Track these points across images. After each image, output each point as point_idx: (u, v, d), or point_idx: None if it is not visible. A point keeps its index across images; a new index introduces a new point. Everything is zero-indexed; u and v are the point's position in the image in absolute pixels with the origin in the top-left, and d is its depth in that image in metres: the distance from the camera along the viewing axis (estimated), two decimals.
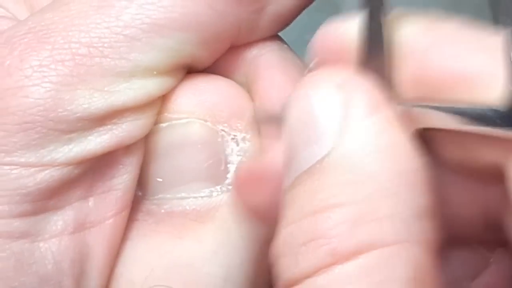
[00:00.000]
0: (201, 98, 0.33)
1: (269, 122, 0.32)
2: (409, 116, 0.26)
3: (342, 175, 0.24)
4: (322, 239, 0.23)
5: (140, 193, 0.33)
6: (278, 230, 0.26)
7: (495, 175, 0.25)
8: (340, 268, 0.23)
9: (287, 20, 0.34)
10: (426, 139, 0.27)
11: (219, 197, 0.33)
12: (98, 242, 0.32)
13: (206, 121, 0.33)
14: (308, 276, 0.24)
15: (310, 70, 0.29)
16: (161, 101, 0.32)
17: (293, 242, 0.24)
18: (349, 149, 0.25)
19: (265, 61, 0.33)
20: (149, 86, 0.31)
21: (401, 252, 0.23)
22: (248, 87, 0.34)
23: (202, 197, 0.33)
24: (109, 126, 0.31)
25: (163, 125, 0.33)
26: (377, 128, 0.25)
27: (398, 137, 0.25)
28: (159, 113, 0.32)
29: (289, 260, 0.25)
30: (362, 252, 0.23)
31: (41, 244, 0.30)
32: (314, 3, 0.35)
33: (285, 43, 0.35)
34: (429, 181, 0.25)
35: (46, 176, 0.30)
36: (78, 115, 0.30)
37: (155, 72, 0.31)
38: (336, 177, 0.24)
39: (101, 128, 0.30)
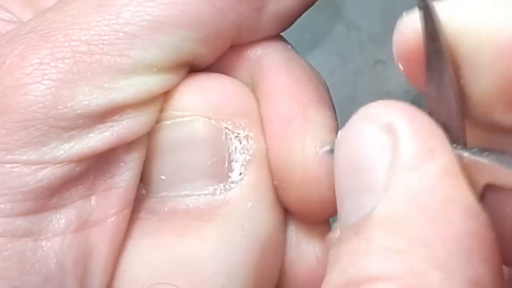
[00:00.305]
0: (205, 95, 0.33)
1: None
2: (474, 167, 0.22)
3: (386, 238, 0.22)
4: None
5: (143, 191, 0.33)
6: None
7: None
8: None
9: (288, 20, 0.34)
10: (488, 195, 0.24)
11: (222, 195, 0.33)
12: (101, 240, 0.32)
13: (210, 118, 0.33)
14: None
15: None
16: (163, 98, 0.32)
17: None
18: (394, 208, 0.22)
19: (270, 61, 0.33)
20: (150, 83, 0.31)
21: None
22: (253, 87, 0.34)
23: (205, 194, 0.33)
24: (109, 123, 0.31)
25: (167, 122, 0.33)
26: (429, 182, 0.22)
27: (455, 194, 0.22)
28: (163, 110, 0.33)
29: None
30: None
31: (43, 243, 0.30)
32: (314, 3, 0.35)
33: (289, 43, 0.35)
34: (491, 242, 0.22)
35: (48, 174, 0.30)
36: (78, 112, 0.30)
37: (155, 69, 0.31)
38: (381, 240, 0.22)
39: (101, 126, 0.31)
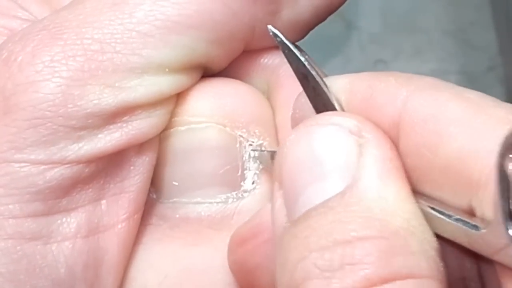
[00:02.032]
0: (221, 102, 0.32)
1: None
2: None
3: (368, 210, 0.25)
4: (359, 265, 0.24)
5: (154, 196, 0.33)
6: (290, 258, 0.26)
7: None
8: None
9: (301, 30, 0.34)
10: None
11: (235, 204, 0.32)
12: (112, 246, 0.31)
13: (225, 126, 0.32)
14: None
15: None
16: (174, 100, 0.32)
17: (324, 266, 0.25)
18: (369, 187, 0.26)
19: (288, 70, 0.33)
20: (161, 83, 0.31)
21: (432, 286, 0.25)
22: (268, 95, 0.34)
23: (217, 202, 0.32)
24: (119, 124, 0.30)
25: (182, 128, 0.32)
26: (396, 173, 0.26)
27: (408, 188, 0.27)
28: (178, 115, 0.32)
29: (321, 283, 0.25)
30: (397, 279, 0.24)
31: (53, 247, 0.30)
32: None
33: (306, 53, 0.35)
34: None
35: (56, 174, 0.29)
36: (88, 111, 0.29)
37: (167, 69, 0.30)
38: (363, 211, 0.25)
39: (111, 126, 0.30)
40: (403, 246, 0.25)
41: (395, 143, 0.27)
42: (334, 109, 0.29)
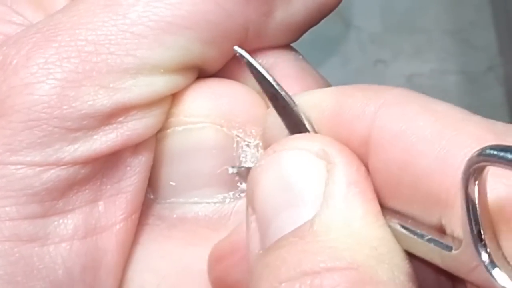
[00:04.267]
0: (217, 102, 0.32)
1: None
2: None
3: (335, 240, 0.25)
4: None
5: (151, 196, 0.33)
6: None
7: None
8: None
9: (295, 31, 0.34)
10: None
11: (232, 204, 0.32)
12: (110, 246, 0.31)
13: (222, 126, 0.32)
14: None
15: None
16: (169, 101, 0.32)
17: None
18: (336, 215, 0.26)
19: (282, 70, 0.33)
20: (156, 84, 0.31)
21: None
22: (264, 96, 0.34)
23: (214, 202, 0.32)
24: (115, 125, 0.30)
25: (179, 128, 0.32)
26: (362, 196, 0.26)
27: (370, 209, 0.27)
28: (174, 115, 0.32)
29: None
30: None
31: (51, 249, 0.30)
32: None
33: (300, 53, 0.35)
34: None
35: (52, 176, 0.29)
36: (83, 112, 0.29)
37: (162, 70, 0.31)
38: (330, 241, 0.25)
39: (106, 127, 0.30)
40: (372, 275, 0.25)
41: (365, 160, 0.27)
42: (304, 128, 0.29)
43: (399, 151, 0.26)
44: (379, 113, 0.27)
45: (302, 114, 0.29)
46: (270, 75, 0.30)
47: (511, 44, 0.92)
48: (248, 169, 0.32)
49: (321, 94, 0.29)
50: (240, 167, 0.32)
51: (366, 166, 0.27)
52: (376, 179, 0.27)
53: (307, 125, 0.29)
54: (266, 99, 0.30)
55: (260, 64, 0.30)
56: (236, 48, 0.30)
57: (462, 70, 0.94)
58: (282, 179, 0.27)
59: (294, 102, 0.29)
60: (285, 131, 0.30)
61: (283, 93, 0.29)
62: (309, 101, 0.29)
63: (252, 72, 0.30)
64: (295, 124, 0.29)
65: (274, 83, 0.29)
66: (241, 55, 0.30)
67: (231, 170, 0.32)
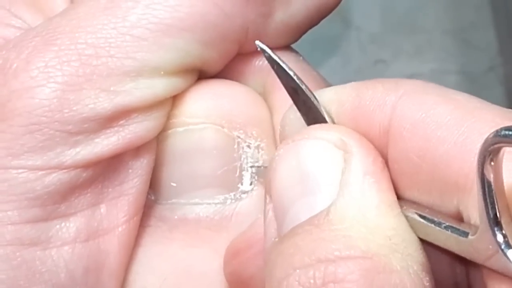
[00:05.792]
0: (218, 103, 0.32)
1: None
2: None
3: (350, 229, 0.26)
4: (342, 283, 0.25)
5: (152, 197, 0.33)
6: (276, 275, 0.26)
7: None
8: None
9: (295, 32, 0.34)
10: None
11: (233, 205, 0.32)
12: (113, 249, 0.31)
13: (222, 127, 0.32)
14: None
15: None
16: (170, 103, 0.32)
17: (307, 284, 0.25)
18: (351, 204, 0.26)
19: None
20: (156, 86, 0.31)
21: None
22: (265, 97, 0.34)
23: (215, 203, 0.32)
24: (116, 128, 0.30)
25: (180, 129, 0.32)
26: (377, 186, 0.27)
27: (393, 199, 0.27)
28: (176, 116, 0.32)
29: None
30: None
31: (53, 252, 0.30)
32: None
33: (300, 55, 0.35)
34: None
35: (54, 180, 0.29)
36: (84, 115, 0.29)
37: (162, 72, 0.31)
38: (345, 230, 0.26)
39: (108, 130, 0.30)
40: (386, 264, 0.25)
41: (385, 150, 0.27)
42: (324, 121, 0.29)
43: (418, 138, 0.26)
44: (399, 102, 0.27)
45: (322, 108, 0.29)
46: (291, 69, 0.30)
47: (511, 44, 0.92)
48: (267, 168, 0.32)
49: (341, 88, 0.29)
50: (259, 167, 0.33)
51: (385, 157, 0.27)
52: (395, 169, 0.27)
53: (327, 119, 0.29)
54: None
55: (281, 58, 0.30)
56: (258, 42, 0.30)
57: (462, 70, 0.94)
58: (299, 167, 0.27)
59: (315, 96, 0.29)
60: (305, 126, 0.30)
61: (304, 87, 0.29)
62: (330, 95, 0.29)
63: (272, 67, 0.30)
64: (314, 118, 0.29)
65: (295, 77, 0.29)
66: (262, 50, 0.30)
67: (250, 170, 0.33)
